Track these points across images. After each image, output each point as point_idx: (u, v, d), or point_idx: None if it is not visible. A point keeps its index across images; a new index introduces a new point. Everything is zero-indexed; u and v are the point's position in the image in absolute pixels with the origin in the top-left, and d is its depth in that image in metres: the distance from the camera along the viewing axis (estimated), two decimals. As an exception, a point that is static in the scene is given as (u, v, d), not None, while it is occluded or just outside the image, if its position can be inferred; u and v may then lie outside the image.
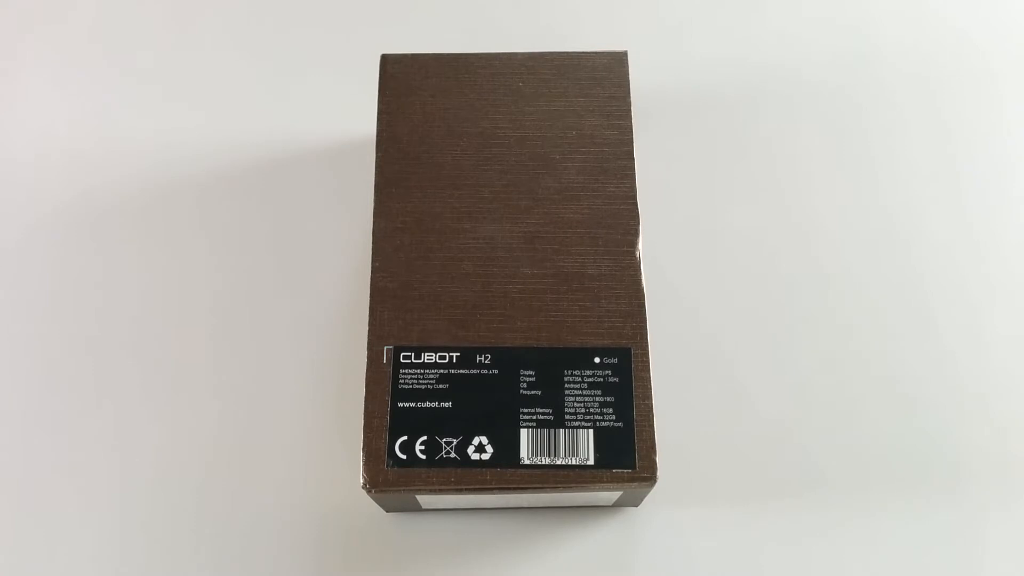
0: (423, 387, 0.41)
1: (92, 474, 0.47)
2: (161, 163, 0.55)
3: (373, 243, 0.44)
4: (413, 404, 0.40)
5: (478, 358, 0.41)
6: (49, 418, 0.48)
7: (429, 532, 0.46)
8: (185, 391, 0.49)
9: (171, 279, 0.52)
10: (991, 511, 0.46)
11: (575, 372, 0.41)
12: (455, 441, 0.40)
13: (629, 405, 0.40)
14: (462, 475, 0.39)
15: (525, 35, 0.58)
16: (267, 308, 0.51)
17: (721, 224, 0.53)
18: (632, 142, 0.45)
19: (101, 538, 0.46)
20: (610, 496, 0.43)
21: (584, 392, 0.41)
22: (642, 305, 0.42)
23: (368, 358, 0.41)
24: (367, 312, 0.42)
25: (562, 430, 0.40)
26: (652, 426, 0.40)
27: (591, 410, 0.40)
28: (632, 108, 0.46)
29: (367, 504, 0.45)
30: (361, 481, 0.39)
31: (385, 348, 0.41)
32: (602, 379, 0.41)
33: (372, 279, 0.43)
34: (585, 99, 0.46)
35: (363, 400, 0.41)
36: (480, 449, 0.40)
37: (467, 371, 0.41)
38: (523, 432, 0.40)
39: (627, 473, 0.39)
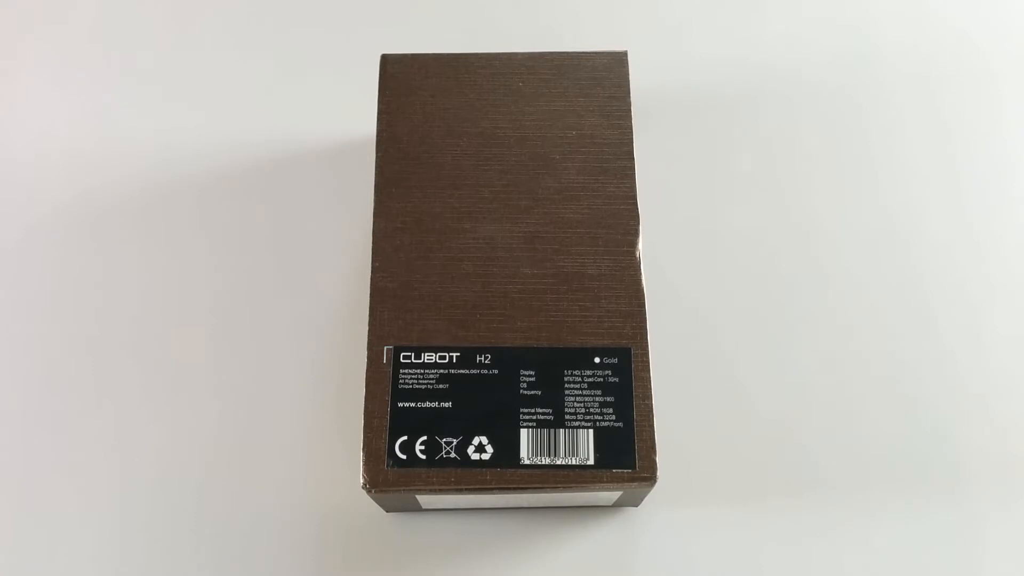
0: (423, 387, 0.41)
1: (92, 474, 0.47)
2: (161, 163, 0.55)
3: (373, 243, 0.44)
4: (413, 404, 0.40)
5: (478, 358, 0.41)
6: (49, 418, 0.48)
7: (429, 532, 0.46)
8: (185, 391, 0.49)
9: (171, 279, 0.52)
10: (991, 511, 0.46)
11: (575, 372, 0.41)
12: (455, 441, 0.40)
13: (629, 405, 0.40)
14: (462, 475, 0.39)
15: (525, 35, 0.58)
16: (267, 308, 0.51)
17: (721, 224, 0.53)
18: (632, 142, 0.45)
19: (101, 538, 0.46)
20: (610, 496, 0.43)
21: (584, 392, 0.41)
22: (642, 305, 0.42)
23: (368, 358, 0.41)
24: (367, 312, 0.42)
25: (562, 430, 0.40)
26: (652, 426, 0.40)
27: (591, 410, 0.40)
28: (632, 108, 0.46)
29: (367, 504, 0.45)
30: (361, 481, 0.39)
31: (385, 348, 0.41)
32: (602, 379, 0.41)
33: (372, 279, 0.43)
34: (585, 99, 0.46)
35: (363, 400, 0.41)
36: (480, 449, 0.40)
37: (467, 371, 0.41)
38: (523, 432, 0.40)
39: (627, 473, 0.39)
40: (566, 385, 0.41)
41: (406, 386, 0.41)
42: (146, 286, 0.51)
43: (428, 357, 0.41)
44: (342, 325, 0.50)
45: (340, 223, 0.52)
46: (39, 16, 0.60)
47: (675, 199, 0.53)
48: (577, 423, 0.40)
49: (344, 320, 0.50)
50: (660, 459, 0.40)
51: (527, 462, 0.39)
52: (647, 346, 0.41)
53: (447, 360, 0.41)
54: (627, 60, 0.47)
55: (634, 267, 0.43)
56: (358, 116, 0.52)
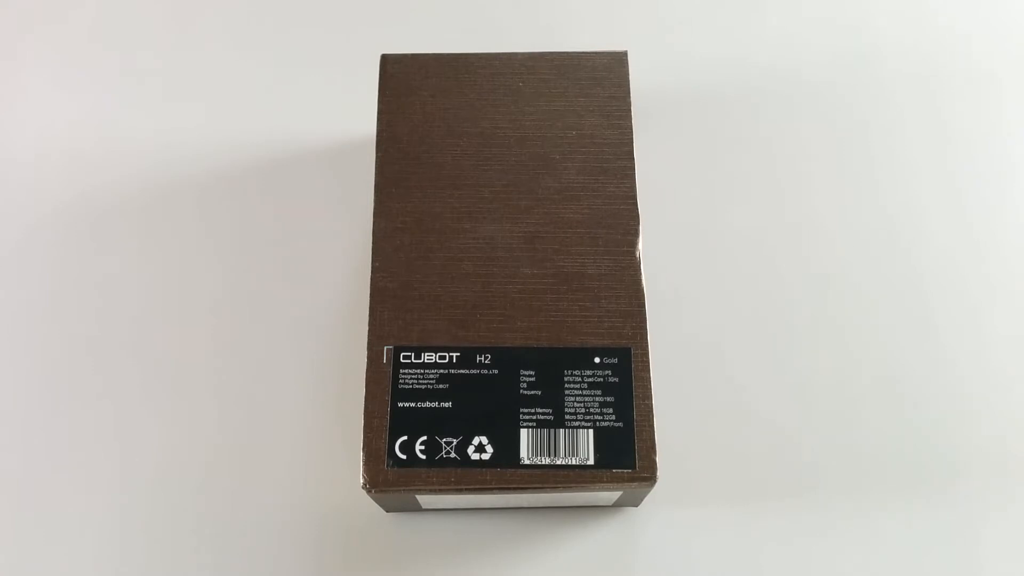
0: (423, 387, 0.41)
1: (92, 474, 0.47)
2: (161, 163, 0.55)
3: (373, 243, 0.44)
4: (413, 404, 0.40)
5: (478, 358, 0.41)
6: (49, 418, 0.48)
7: (429, 532, 0.46)
8: (185, 391, 0.49)
9: (171, 279, 0.52)
10: (990, 512, 0.46)
11: (575, 372, 0.41)
12: (455, 441, 0.40)
13: (629, 405, 0.40)
14: (462, 475, 0.39)
15: (525, 35, 0.58)
16: (267, 308, 0.51)
17: (721, 224, 0.53)
18: (632, 142, 0.45)
19: (101, 538, 0.46)
20: (610, 496, 0.43)
21: (584, 392, 0.41)
22: (642, 305, 0.42)
23: (368, 358, 0.41)
24: (367, 312, 0.42)
25: (562, 430, 0.40)
26: (652, 426, 0.40)
27: (591, 410, 0.40)
28: (632, 108, 0.46)
29: (367, 504, 0.45)
30: (361, 481, 0.39)
31: (385, 348, 0.41)
32: (602, 379, 0.41)
33: (372, 279, 0.43)
34: (585, 99, 0.46)
35: (363, 400, 0.41)
36: (480, 449, 0.40)
37: (467, 371, 0.41)
38: (523, 432, 0.40)
39: (627, 473, 0.39)
40: (566, 385, 0.41)
41: (406, 386, 0.41)
42: (146, 286, 0.51)
43: (428, 357, 0.41)
44: (342, 325, 0.50)
45: (340, 223, 0.52)
46: (39, 16, 0.60)
47: (675, 199, 0.53)
48: (577, 423, 0.40)
49: (344, 320, 0.50)
50: (660, 459, 0.40)
51: (527, 462, 0.39)
52: (647, 346, 0.41)
53: (447, 360, 0.41)
54: (627, 60, 0.47)
55: (634, 267, 0.43)
56: (358, 116, 0.52)
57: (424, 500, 0.42)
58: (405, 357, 0.41)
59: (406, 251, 0.43)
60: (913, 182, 0.54)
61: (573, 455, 0.40)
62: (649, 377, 0.41)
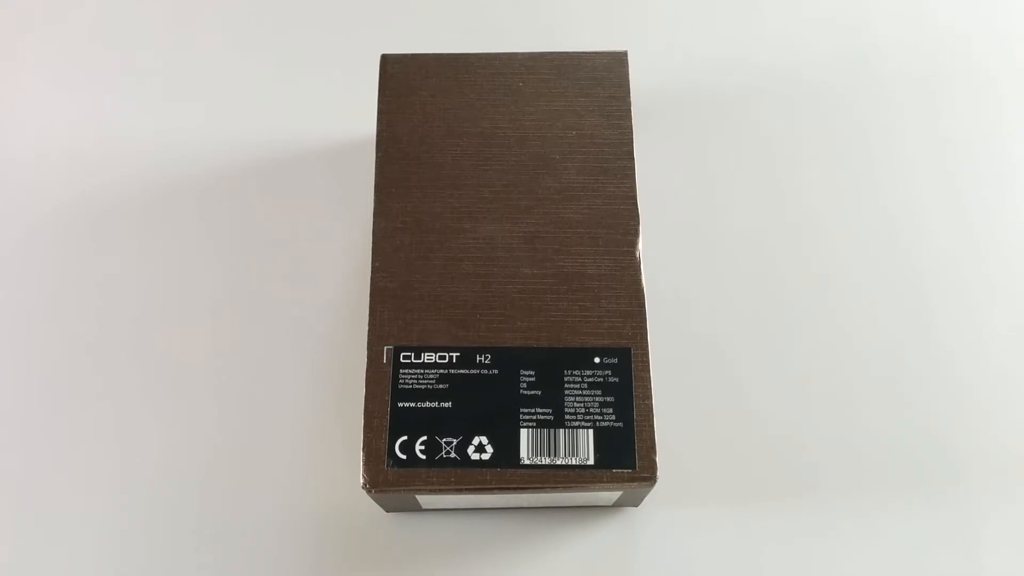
0: (423, 387, 0.41)
1: (92, 474, 0.47)
2: (161, 163, 0.55)
3: (373, 243, 0.44)
4: (413, 404, 0.40)
5: (478, 358, 0.41)
6: (49, 418, 0.48)
7: (429, 532, 0.46)
8: (185, 391, 0.49)
9: (171, 279, 0.52)
10: (990, 511, 0.46)
11: (575, 372, 0.41)
12: (455, 441, 0.40)
13: (629, 405, 0.40)
14: (462, 475, 0.39)
15: (525, 35, 0.58)
16: (267, 308, 0.51)
17: (721, 224, 0.53)
18: (632, 142, 0.45)
19: (101, 538, 0.46)
20: (610, 496, 0.43)
21: (584, 392, 0.41)
22: (642, 305, 0.42)
23: (368, 358, 0.41)
24: (367, 312, 0.42)
25: (562, 430, 0.40)
26: (652, 426, 0.40)
27: (591, 410, 0.40)
28: (632, 108, 0.46)
29: (367, 504, 0.45)
30: (361, 481, 0.39)
31: (385, 348, 0.41)
32: (602, 379, 0.41)
33: (372, 279, 0.43)
34: (585, 99, 0.46)
35: (363, 400, 0.41)
36: (480, 449, 0.40)
37: (467, 371, 0.41)
38: (523, 432, 0.40)
39: (627, 473, 0.39)
40: (566, 385, 0.41)
41: (406, 386, 0.41)
42: (146, 286, 0.51)
43: (428, 357, 0.41)
44: (342, 325, 0.50)
45: (340, 223, 0.52)
46: (39, 16, 0.60)
47: (675, 199, 0.53)
48: (577, 423, 0.40)
49: (344, 320, 0.50)
50: (660, 459, 0.40)
51: (527, 462, 0.39)
52: (647, 346, 0.41)
53: (447, 360, 0.41)
54: (627, 60, 0.47)
55: (634, 267, 0.43)
56: (358, 116, 0.52)
57: (424, 500, 0.42)
58: (405, 357, 0.41)
59: (406, 251, 0.43)
60: (913, 182, 0.54)
61: (573, 455, 0.40)
62: (649, 377, 0.41)
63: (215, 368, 0.49)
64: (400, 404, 0.40)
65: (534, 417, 0.40)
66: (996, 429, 0.48)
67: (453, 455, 0.40)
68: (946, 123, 0.56)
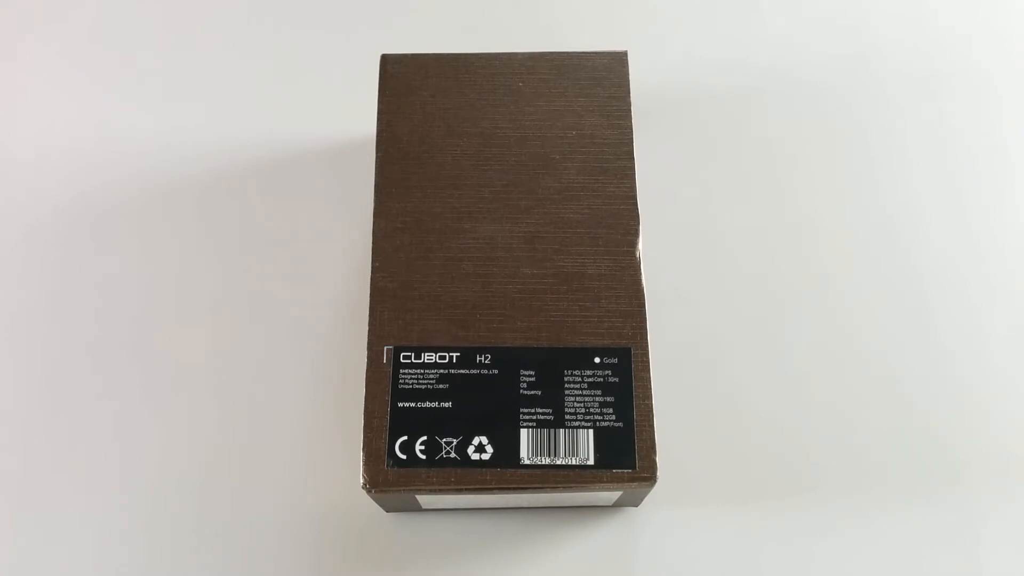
0: (423, 387, 0.41)
1: (92, 474, 0.47)
2: (161, 163, 0.55)
3: (373, 243, 0.44)
4: (413, 404, 0.40)
5: (478, 358, 0.41)
6: (49, 418, 0.48)
7: (429, 532, 0.46)
8: (185, 391, 0.49)
9: (171, 279, 0.52)
10: (990, 511, 0.46)
11: (575, 372, 0.41)
12: (455, 441, 0.40)
13: (629, 405, 0.40)
14: (462, 475, 0.39)
15: (525, 35, 0.58)
16: (267, 308, 0.51)
17: (721, 224, 0.53)
18: (632, 142, 0.45)
19: (101, 538, 0.46)
20: (610, 496, 0.43)
21: (584, 392, 0.41)
22: (642, 305, 0.42)
23: (368, 358, 0.41)
24: (367, 312, 0.42)
25: (562, 430, 0.40)
26: (652, 426, 0.40)
27: (591, 410, 0.40)
28: (632, 108, 0.46)
29: (367, 504, 0.45)
30: (361, 481, 0.39)
31: (385, 348, 0.41)
32: (602, 379, 0.41)
33: (372, 279, 0.43)
34: (585, 99, 0.46)
35: (363, 400, 0.41)
36: (480, 449, 0.40)
37: (467, 371, 0.41)
38: (523, 432, 0.40)
39: (627, 473, 0.39)
40: (566, 385, 0.41)
41: (406, 386, 0.41)
42: (146, 286, 0.51)
43: (428, 357, 0.41)
44: (342, 325, 0.50)
45: (340, 223, 0.52)
46: (39, 16, 0.60)
47: (675, 199, 0.53)
48: (577, 423, 0.40)
49: (344, 320, 0.50)
50: (660, 459, 0.40)
51: (527, 462, 0.39)
52: (647, 346, 0.41)
53: (447, 360, 0.41)
54: (627, 60, 0.47)
55: (634, 267, 0.43)
56: (358, 116, 0.52)
57: (424, 500, 0.42)
58: (405, 357, 0.41)
59: (406, 251, 0.43)
60: (913, 182, 0.54)
61: (573, 455, 0.40)
62: (649, 377, 0.41)
63: (215, 368, 0.49)
64: (400, 404, 0.40)
65: (534, 417, 0.40)
66: (996, 429, 0.48)
67: (453, 455, 0.40)
68: (946, 123, 0.56)
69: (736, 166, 0.54)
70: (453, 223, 0.44)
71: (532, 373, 0.41)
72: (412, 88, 0.47)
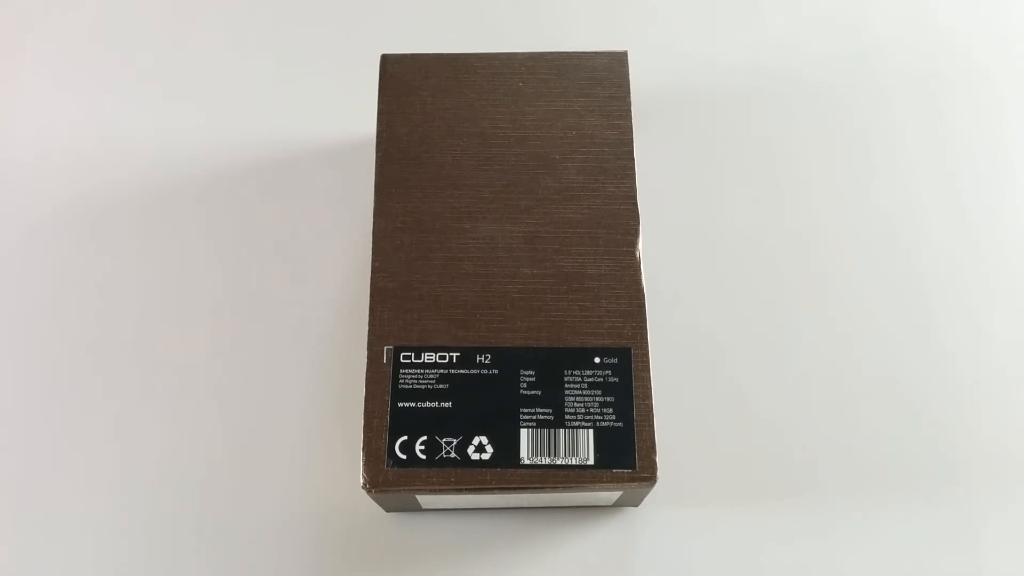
0: (423, 387, 0.41)
1: (93, 474, 0.47)
2: (161, 163, 0.55)
3: (373, 243, 0.44)
4: (413, 404, 0.40)
5: (478, 358, 0.41)
6: (50, 418, 0.48)
7: (429, 532, 0.46)
8: (185, 391, 0.49)
9: (171, 279, 0.52)
10: (990, 512, 0.46)
11: (575, 372, 0.41)
12: (455, 441, 0.40)
13: (629, 405, 0.40)
14: (462, 475, 0.39)
15: (525, 35, 0.58)
16: (267, 308, 0.51)
17: (721, 224, 0.53)
18: (632, 142, 0.45)
19: (102, 538, 0.46)
20: (610, 496, 0.43)
21: (584, 392, 0.41)
22: (642, 305, 0.42)
23: (368, 358, 0.41)
24: (367, 312, 0.42)
25: (562, 430, 0.40)
26: (652, 426, 0.40)
27: (591, 410, 0.40)
28: (632, 108, 0.46)
29: (367, 504, 0.45)
30: (361, 481, 0.39)
31: (385, 348, 0.41)
32: (602, 379, 0.41)
33: (372, 279, 0.43)
34: (585, 99, 0.46)
35: (363, 400, 0.41)
36: (480, 449, 0.40)
37: (467, 371, 0.41)
38: (523, 432, 0.40)
39: (627, 473, 0.39)
40: (566, 385, 0.41)
41: (406, 386, 0.41)
42: (146, 286, 0.51)
43: (428, 357, 0.41)
44: (342, 325, 0.50)
45: (340, 223, 0.52)
46: (39, 16, 0.60)
47: (675, 199, 0.53)
48: (577, 423, 0.40)
49: (344, 320, 0.50)
50: (660, 459, 0.40)
51: (527, 462, 0.39)
52: (647, 346, 0.41)
53: (447, 360, 0.41)
54: (627, 60, 0.47)
55: (634, 267, 0.43)
56: (358, 116, 0.52)
57: (424, 500, 0.42)
58: (405, 357, 0.41)
59: (406, 251, 0.43)
60: (913, 182, 0.54)
61: (573, 455, 0.40)
62: (649, 377, 0.41)
63: (215, 368, 0.49)
64: (400, 404, 0.40)
65: (534, 417, 0.40)
66: (996, 429, 0.48)
67: (453, 455, 0.40)
68: (946, 123, 0.56)
69: (736, 166, 0.54)
70: (453, 223, 0.44)
71: (532, 373, 0.41)
72: (412, 88, 0.47)
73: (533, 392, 0.41)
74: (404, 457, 0.40)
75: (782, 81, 0.57)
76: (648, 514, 0.46)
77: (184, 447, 0.48)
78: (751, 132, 0.55)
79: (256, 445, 0.48)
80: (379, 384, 0.41)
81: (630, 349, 0.41)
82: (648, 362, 0.41)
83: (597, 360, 0.41)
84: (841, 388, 0.49)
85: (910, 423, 0.48)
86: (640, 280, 0.43)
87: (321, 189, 0.54)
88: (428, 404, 0.40)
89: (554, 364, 0.41)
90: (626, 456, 0.39)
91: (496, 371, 0.41)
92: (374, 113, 0.47)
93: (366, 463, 0.39)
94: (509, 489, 0.39)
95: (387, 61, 0.48)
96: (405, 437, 0.40)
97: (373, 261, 0.43)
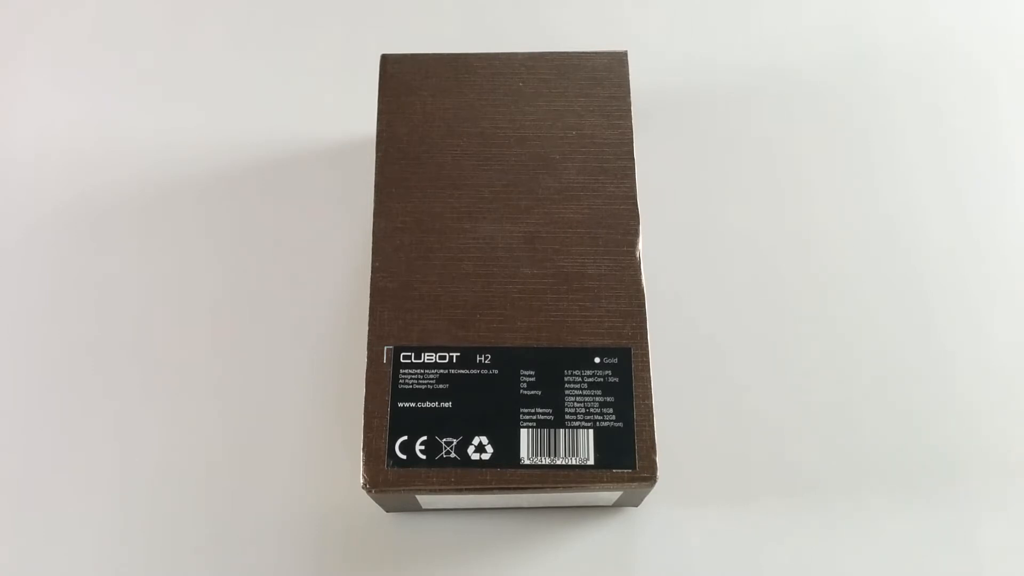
0: (423, 387, 0.41)
1: (93, 474, 0.47)
2: (161, 163, 0.55)
3: (373, 243, 0.44)
4: (413, 404, 0.40)
5: (478, 358, 0.41)
6: (50, 418, 0.48)
7: (429, 532, 0.46)
8: (186, 391, 0.49)
9: (171, 279, 0.52)
10: (990, 512, 0.46)
11: (575, 372, 0.41)
12: (455, 441, 0.40)
13: (629, 405, 0.40)
14: (462, 475, 0.39)
15: (525, 35, 0.58)
16: (267, 308, 0.51)
17: (721, 224, 0.53)
18: (632, 142, 0.45)
19: (102, 538, 0.46)
20: (610, 496, 0.43)
21: (584, 392, 0.41)
22: (642, 305, 0.42)
23: (368, 358, 0.41)
24: (367, 312, 0.42)
25: (562, 430, 0.40)
26: (652, 426, 0.40)
27: (591, 410, 0.40)
28: (632, 108, 0.46)
29: (367, 504, 0.45)
30: (361, 481, 0.39)
31: (385, 348, 0.41)
32: (602, 379, 0.41)
33: (372, 279, 0.43)
34: (585, 99, 0.46)
35: (363, 400, 0.41)
36: (480, 449, 0.40)
37: (467, 371, 0.41)
38: (523, 432, 0.40)
39: (627, 473, 0.39)
40: (566, 385, 0.41)
41: (406, 386, 0.41)
42: (146, 286, 0.51)
43: (428, 357, 0.41)
44: (342, 325, 0.50)
45: (340, 223, 0.52)
46: (39, 16, 0.60)
47: (675, 199, 0.53)
48: (577, 423, 0.40)
49: (344, 320, 0.50)
50: (660, 459, 0.40)
51: (527, 462, 0.39)
52: (647, 346, 0.41)
53: (447, 360, 0.41)
54: (627, 60, 0.47)
55: (634, 267, 0.43)
56: (358, 116, 0.52)
57: (424, 500, 0.42)
58: (405, 357, 0.41)
59: (406, 251, 0.43)
60: (913, 182, 0.54)
61: (573, 455, 0.40)
62: (649, 377, 0.41)
63: (215, 368, 0.49)
64: (400, 404, 0.40)
65: (534, 417, 0.40)
66: (995, 429, 0.48)
67: (453, 455, 0.40)
68: (946, 123, 0.56)
69: (736, 166, 0.54)
70: (453, 223, 0.44)
71: (532, 373, 0.41)
72: (412, 88, 0.47)
73: (533, 392, 0.41)
74: (404, 457, 0.40)
75: (782, 81, 0.57)
76: (648, 514, 0.46)
77: (184, 447, 0.48)
78: (751, 132, 0.55)
79: (256, 445, 0.48)
80: (379, 384, 0.41)
81: (630, 349, 0.41)
82: (648, 362, 0.41)
83: (597, 360, 0.41)
84: (841, 388, 0.49)
85: (910, 423, 0.48)
86: (640, 280, 0.43)
87: (321, 189, 0.54)
88: (428, 404, 0.40)
89: (554, 364, 0.41)
90: (626, 456, 0.39)
91: (496, 371, 0.41)
92: (374, 113, 0.47)
93: (366, 463, 0.39)
94: (509, 489, 0.39)
95: (387, 61, 0.48)
96: (405, 437, 0.40)
97: (373, 261, 0.43)
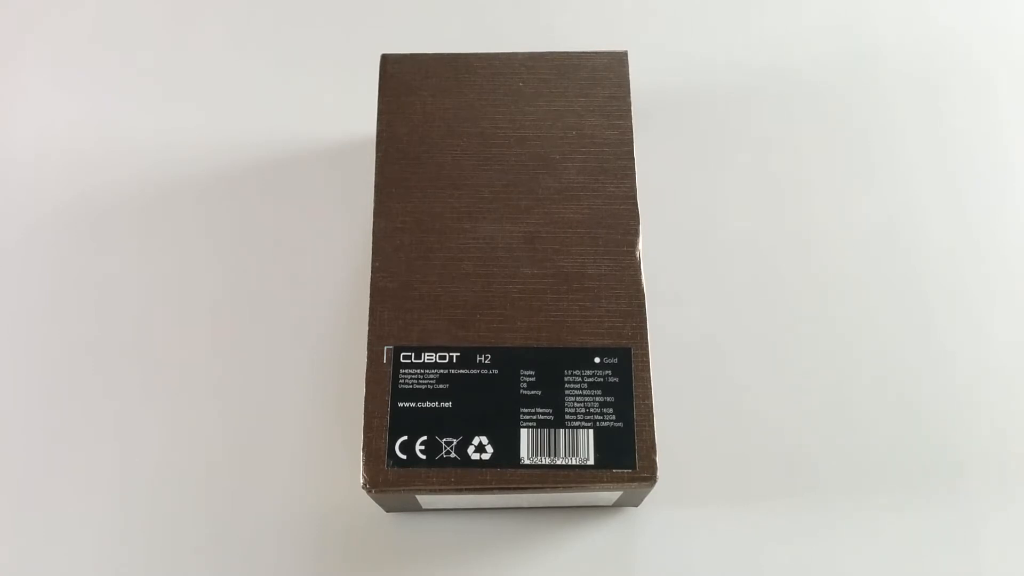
0: (423, 387, 0.41)
1: (93, 474, 0.47)
2: (161, 163, 0.55)
3: (373, 243, 0.44)
4: (413, 404, 0.40)
5: (478, 358, 0.41)
6: (50, 418, 0.48)
7: (429, 532, 0.46)
8: (185, 391, 0.49)
9: (171, 279, 0.52)
10: (990, 511, 0.46)
11: (575, 372, 0.41)
12: (455, 441, 0.40)
13: (629, 405, 0.40)
14: (462, 475, 0.39)
15: (525, 35, 0.58)
16: (267, 308, 0.51)
17: (721, 224, 0.53)
18: (632, 142, 0.45)
19: (102, 538, 0.46)
20: (610, 496, 0.43)
21: (584, 392, 0.41)
22: (642, 305, 0.42)
23: (368, 358, 0.41)
24: (367, 312, 0.42)
25: (562, 430, 0.40)
26: (652, 426, 0.40)
27: (591, 410, 0.40)
28: (632, 108, 0.46)
29: (367, 504, 0.45)
30: (361, 481, 0.39)
31: (385, 348, 0.41)
32: (602, 379, 0.41)
33: (372, 279, 0.43)
34: (585, 99, 0.46)
35: (363, 400, 0.41)
36: (480, 449, 0.40)
37: (467, 371, 0.41)
38: (523, 432, 0.40)
39: (627, 473, 0.39)
40: (566, 385, 0.41)
41: (406, 386, 0.41)
42: (146, 286, 0.51)
43: (428, 357, 0.41)
44: (342, 325, 0.50)
45: (340, 223, 0.52)
46: (39, 16, 0.60)
47: (675, 199, 0.53)
48: (577, 423, 0.40)
49: (344, 320, 0.50)
50: (660, 459, 0.40)
51: (527, 462, 0.39)
52: (647, 346, 0.41)
53: (447, 360, 0.41)
54: (627, 60, 0.47)
55: (634, 267, 0.43)
56: (358, 116, 0.52)
57: (424, 500, 0.42)
58: (405, 357, 0.41)
59: (406, 251, 0.43)
60: (913, 182, 0.54)
61: (573, 455, 0.40)
62: (649, 377, 0.41)
63: (215, 368, 0.49)
64: (400, 404, 0.40)
65: (534, 417, 0.40)
66: (996, 429, 0.48)
67: (453, 455, 0.40)
68: (946, 123, 0.56)
69: (736, 166, 0.54)
70: (453, 223, 0.44)
71: (532, 373, 0.41)
72: (412, 88, 0.47)
73: (533, 392, 0.41)
74: (404, 457, 0.40)
75: (782, 81, 0.57)
76: (648, 514, 0.46)
77: (184, 447, 0.48)
78: (751, 132, 0.55)
79: (256, 445, 0.48)
80: (379, 384, 0.41)
81: (630, 349, 0.41)
82: (648, 362, 0.41)
83: (597, 360, 0.41)
84: (841, 388, 0.49)
85: (910, 423, 0.48)
86: (640, 280, 0.43)
87: (321, 189, 0.54)
88: (428, 404, 0.40)
89: (554, 364, 0.41)
90: (626, 456, 0.39)
91: (496, 371, 0.41)
92: (374, 113, 0.47)
93: (366, 463, 0.39)
94: (509, 489, 0.39)
95: (387, 61, 0.48)
96: (405, 437, 0.40)
97: (373, 261, 0.43)
